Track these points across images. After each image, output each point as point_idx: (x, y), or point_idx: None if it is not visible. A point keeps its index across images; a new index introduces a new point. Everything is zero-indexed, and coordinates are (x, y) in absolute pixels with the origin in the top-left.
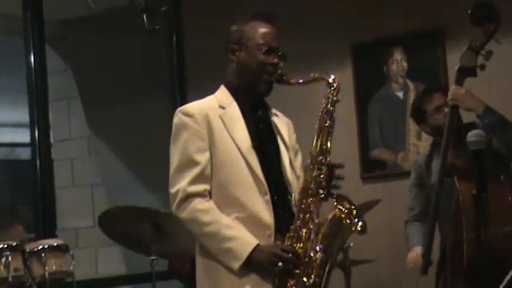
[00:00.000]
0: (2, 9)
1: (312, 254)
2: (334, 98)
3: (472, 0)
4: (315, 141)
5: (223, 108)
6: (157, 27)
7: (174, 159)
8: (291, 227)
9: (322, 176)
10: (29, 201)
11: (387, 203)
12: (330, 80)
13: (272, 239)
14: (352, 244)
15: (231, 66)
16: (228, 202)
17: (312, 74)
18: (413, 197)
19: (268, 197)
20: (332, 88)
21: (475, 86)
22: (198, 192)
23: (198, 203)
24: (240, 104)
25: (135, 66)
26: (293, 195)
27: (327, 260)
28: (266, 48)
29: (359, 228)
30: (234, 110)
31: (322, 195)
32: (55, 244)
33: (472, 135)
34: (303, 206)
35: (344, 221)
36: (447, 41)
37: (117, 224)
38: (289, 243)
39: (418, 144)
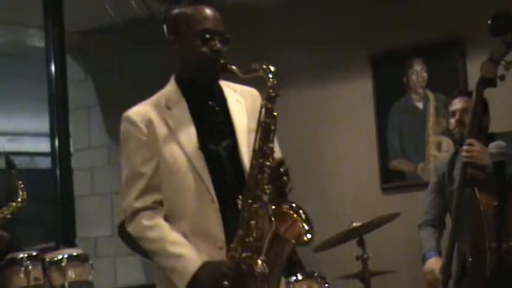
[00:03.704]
0: (23, 19)
1: (255, 266)
2: (272, 94)
3: (491, 11)
4: (255, 142)
5: (169, 108)
6: None
7: (123, 172)
8: (235, 236)
9: (265, 179)
10: (48, 210)
11: (406, 214)
12: (270, 71)
13: (224, 251)
14: (371, 255)
15: (175, 58)
16: (176, 214)
17: (253, 64)
18: (431, 202)
19: (216, 205)
20: (269, 82)
21: (495, 97)
22: (145, 206)
23: (145, 219)
24: (188, 98)
25: (155, 76)
26: (240, 198)
27: (271, 272)
28: (206, 34)
29: (305, 240)
30: (180, 109)
31: (266, 200)
32: (75, 254)
33: (493, 147)
34: (246, 213)
35: (282, 236)
36: (467, 52)
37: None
38: (234, 254)
39: (438, 155)
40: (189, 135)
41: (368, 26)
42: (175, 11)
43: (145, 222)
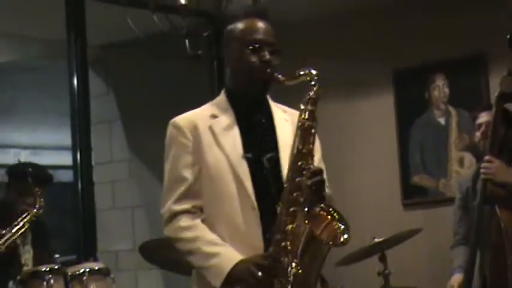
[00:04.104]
0: (46, 34)
1: (289, 269)
2: (314, 96)
3: None
4: (294, 144)
5: (216, 116)
6: (199, 52)
7: (165, 176)
8: (272, 240)
9: (303, 182)
10: (70, 223)
11: (428, 230)
12: (312, 75)
13: None
14: (393, 271)
15: (227, 69)
16: (215, 219)
17: (297, 71)
18: (458, 221)
19: (257, 212)
20: (313, 84)
21: None
22: (183, 210)
23: (183, 221)
24: (236, 110)
25: (176, 90)
26: (280, 205)
27: (307, 275)
28: (255, 45)
29: (342, 241)
30: (227, 118)
31: (303, 204)
32: (96, 268)
33: None
34: (284, 216)
35: (317, 237)
36: (489, 67)
37: (158, 251)
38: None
39: (460, 171)
40: (234, 142)
41: (390, 42)
42: (232, 23)
43: (183, 223)
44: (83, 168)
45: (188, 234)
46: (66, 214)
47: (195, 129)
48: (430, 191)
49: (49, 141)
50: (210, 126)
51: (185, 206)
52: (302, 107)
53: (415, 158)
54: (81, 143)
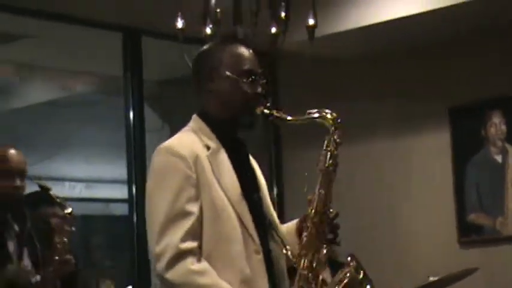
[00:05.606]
0: (104, 70)
1: None
2: (338, 140)
3: None
4: (316, 189)
5: (209, 148)
6: None
7: (160, 210)
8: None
9: (324, 228)
10: (124, 257)
11: (485, 269)
12: (331, 119)
13: None
14: None
15: (207, 96)
16: (222, 263)
17: (309, 111)
18: None
19: (261, 256)
20: (333, 128)
21: None
22: (191, 249)
23: (191, 263)
24: (223, 143)
25: None
26: (288, 249)
27: None
28: (252, 76)
29: None
30: (220, 151)
31: (326, 251)
32: None
33: None
34: (304, 263)
35: (360, 281)
36: None
37: None
38: None
39: None
40: (232, 179)
41: (446, 78)
42: (217, 47)
43: (193, 266)
44: (138, 201)
45: (202, 280)
46: (120, 248)
47: (197, 158)
48: (487, 229)
49: (104, 175)
50: (207, 157)
51: (193, 244)
52: (324, 148)
53: (471, 195)
54: (137, 176)
